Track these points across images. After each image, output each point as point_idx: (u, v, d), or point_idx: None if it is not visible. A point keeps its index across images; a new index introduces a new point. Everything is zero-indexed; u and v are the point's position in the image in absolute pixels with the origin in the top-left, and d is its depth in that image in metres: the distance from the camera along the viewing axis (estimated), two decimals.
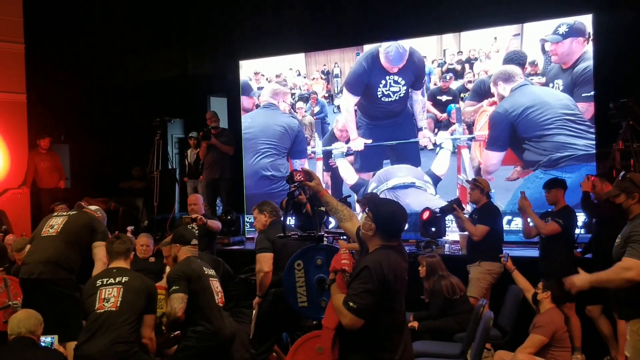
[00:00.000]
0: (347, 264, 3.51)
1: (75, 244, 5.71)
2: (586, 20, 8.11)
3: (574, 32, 8.22)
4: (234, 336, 5.22)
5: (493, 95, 8.79)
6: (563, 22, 8.28)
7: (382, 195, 9.02)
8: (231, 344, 5.20)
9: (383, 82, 9.45)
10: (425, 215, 7.80)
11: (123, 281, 4.69)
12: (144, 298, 4.69)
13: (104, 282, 4.70)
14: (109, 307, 4.56)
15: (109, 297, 4.59)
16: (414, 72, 9.34)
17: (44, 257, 5.54)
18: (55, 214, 6.06)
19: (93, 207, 6.37)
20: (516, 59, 8.65)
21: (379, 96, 9.48)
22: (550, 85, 8.43)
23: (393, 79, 9.39)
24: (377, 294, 3.32)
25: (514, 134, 8.62)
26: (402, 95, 9.38)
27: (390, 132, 9.55)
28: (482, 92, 8.92)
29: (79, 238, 5.73)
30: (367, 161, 9.73)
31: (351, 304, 3.31)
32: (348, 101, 9.80)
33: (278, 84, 10.40)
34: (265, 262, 5.79)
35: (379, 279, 3.32)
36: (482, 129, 8.89)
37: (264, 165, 10.38)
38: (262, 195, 10.00)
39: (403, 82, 9.36)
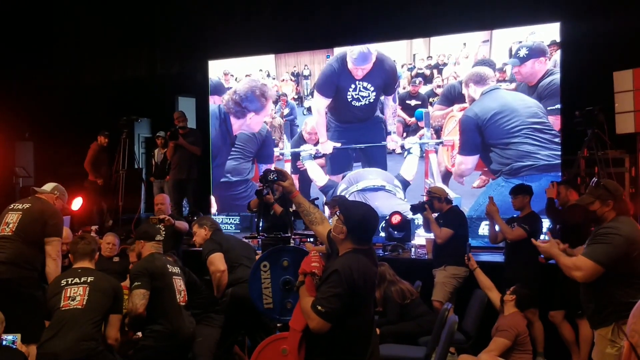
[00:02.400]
0: (316, 266, 3.47)
1: (33, 242, 5.57)
2: (554, 29, 8.21)
3: (535, 53, 8.37)
4: (193, 336, 5.17)
5: (463, 101, 8.85)
6: (523, 45, 8.43)
7: (351, 197, 9.02)
8: (190, 343, 5.16)
9: (353, 86, 9.48)
10: (397, 219, 7.79)
11: (89, 281, 4.63)
12: (111, 297, 4.65)
13: (69, 282, 4.63)
14: (75, 305, 4.50)
15: (75, 295, 4.53)
16: (383, 78, 9.38)
17: (2, 257, 5.41)
18: (11, 207, 5.85)
19: (48, 187, 6.14)
20: (486, 66, 8.73)
21: (349, 100, 9.51)
22: None
23: (362, 85, 9.43)
24: (346, 298, 3.29)
25: (482, 139, 8.68)
26: (371, 100, 9.42)
27: (359, 135, 9.57)
28: (452, 97, 8.97)
29: (35, 235, 5.57)
30: (336, 163, 9.73)
31: (319, 307, 3.27)
32: (319, 103, 9.80)
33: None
34: (219, 261, 5.81)
35: (349, 283, 3.29)
36: (450, 134, 8.94)
37: (228, 168, 10.37)
38: (225, 198, 10.03)
39: (372, 89, 9.39)
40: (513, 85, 8.56)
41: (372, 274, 3.51)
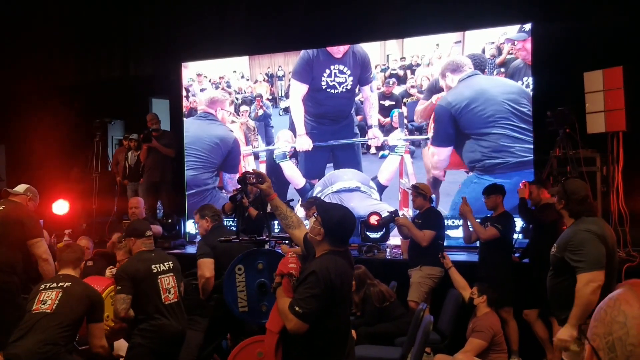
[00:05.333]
0: (294, 267, 3.50)
1: (12, 245, 5.57)
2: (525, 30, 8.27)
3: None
4: (184, 333, 5.20)
5: (442, 91, 8.77)
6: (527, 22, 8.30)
7: (326, 199, 8.99)
8: (180, 340, 5.18)
9: (327, 71, 9.42)
10: (375, 220, 7.79)
11: (64, 286, 4.68)
12: (84, 305, 4.67)
13: (47, 286, 4.71)
14: (44, 308, 4.55)
15: (47, 299, 4.59)
16: (359, 62, 9.32)
17: None
18: None
19: (21, 188, 6.12)
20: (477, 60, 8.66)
21: (324, 87, 9.44)
22: (520, 83, 8.31)
23: (338, 69, 9.37)
24: (323, 299, 3.32)
25: (457, 129, 8.58)
26: (348, 87, 9.35)
27: (334, 138, 9.51)
28: (436, 91, 8.88)
29: (13, 238, 5.59)
30: (310, 165, 9.66)
31: (297, 308, 3.29)
32: (296, 91, 9.69)
33: (218, 89, 10.32)
34: (206, 267, 5.77)
35: (326, 284, 3.31)
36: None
37: (188, 178, 10.31)
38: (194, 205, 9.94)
39: (349, 72, 9.34)
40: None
41: (349, 275, 3.54)
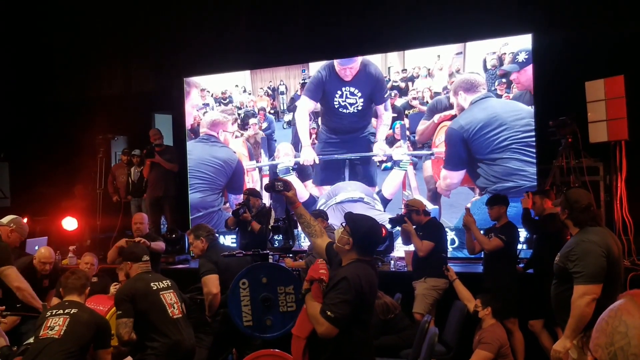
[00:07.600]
0: (324, 274, 3.55)
1: None
2: (527, 40, 8.27)
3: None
4: (194, 348, 5.20)
5: (449, 109, 8.74)
6: (521, 49, 8.26)
7: (329, 210, 8.99)
8: (192, 355, 5.18)
9: (339, 92, 9.42)
10: (383, 232, 7.75)
11: (71, 312, 4.69)
12: (91, 331, 4.67)
13: (53, 313, 4.72)
14: (52, 334, 4.55)
15: (54, 325, 4.60)
16: (370, 83, 9.31)
17: None
18: None
19: (5, 219, 6.17)
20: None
21: (336, 106, 9.45)
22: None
23: (349, 90, 9.36)
24: (354, 305, 3.39)
25: (469, 153, 8.52)
26: (359, 108, 9.34)
27: (348, 149, 9.49)
28: (437, 111, 8.86)
29: None
30: (326, 174, 9.63)
31: (329, 313, 3.35)
32: (305, 105, 9.71)
33: (219, 111, 10.34)
34: (212, 284, 5.76)
35: (357, 290, 3.38)
36: (441, 145, 8.79)
37: (195, 201, 10.32)
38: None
39: (359, 95, 9.33)
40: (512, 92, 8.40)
41: (375, 284, 3.63)
